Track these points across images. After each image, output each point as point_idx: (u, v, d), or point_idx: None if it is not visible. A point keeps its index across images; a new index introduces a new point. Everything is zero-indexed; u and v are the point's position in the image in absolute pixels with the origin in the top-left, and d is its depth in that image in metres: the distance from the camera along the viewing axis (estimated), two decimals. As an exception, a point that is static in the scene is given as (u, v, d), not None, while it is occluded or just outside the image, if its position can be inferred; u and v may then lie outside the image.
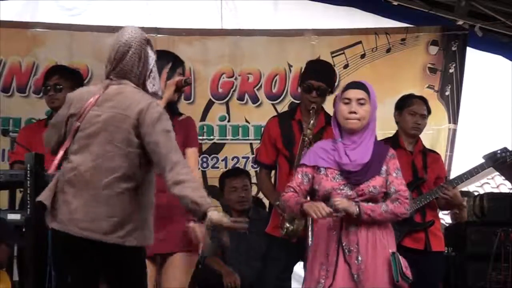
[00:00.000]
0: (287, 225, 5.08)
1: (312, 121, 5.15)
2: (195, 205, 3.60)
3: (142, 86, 3.82)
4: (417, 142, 5.73)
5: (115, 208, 3.67)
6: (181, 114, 4.66)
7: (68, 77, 5.54)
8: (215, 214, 3.61)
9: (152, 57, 3.83)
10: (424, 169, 5.66)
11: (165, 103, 4.49)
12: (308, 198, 4.46)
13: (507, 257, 6.44)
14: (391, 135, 5.81)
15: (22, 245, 4.73)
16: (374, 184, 4.36)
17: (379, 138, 4.64)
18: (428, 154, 5.75)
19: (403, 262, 4.34)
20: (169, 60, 4.61)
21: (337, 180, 4.37)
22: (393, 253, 4.33)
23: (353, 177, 4.36)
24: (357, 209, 4.29)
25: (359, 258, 4.30)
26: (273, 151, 5.38)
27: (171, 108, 4.53)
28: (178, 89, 4.57)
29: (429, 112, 5.78)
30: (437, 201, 5.67)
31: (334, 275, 4.30)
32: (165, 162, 3.64)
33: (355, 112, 4.39)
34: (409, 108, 5.68)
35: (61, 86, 5.43)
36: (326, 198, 4.39)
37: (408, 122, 5.67)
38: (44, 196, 3.77)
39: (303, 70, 5.68)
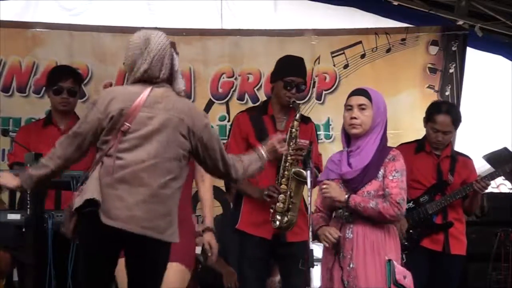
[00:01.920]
0: (279, 217, 5.10)
1: (298, 114, 5.24)
2: (261, 169, 4.14)
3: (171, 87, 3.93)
4: (446, 147, 5.69)
5: (169, 207, 3.81)
6: None
7: (80, 82, 5.60)
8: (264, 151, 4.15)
9: (176, 59, 3.91)
10: (450, 173, 5.63)
11: None
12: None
13: (507, 257, 6.45)
14: (391, 135, 5.79)
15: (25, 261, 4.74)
16: (369, 189, 4.41)
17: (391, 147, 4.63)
18: (457, 158, 5.70)
19: (400, 270, 4.36)
20: None
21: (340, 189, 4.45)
22: (389, 260, 4.36)
23: (350, 185, 4.43)
24: (346, 197, 4.37)
25: (351, 265, 4.36)
26: (244, 145, 5.36)
27: None
28: None
29: (457, 123, 5.67)
30: (462, 203, 5.65)
31: (333, 279, 4.38)
32: (222, 165, 3.96)
33: (355, 118, 4.43)
34: (432, 124, 5.62)
35: (75, 91, 5.47)
36: (333, 208, 4.52)
37: (430, 136, 5.63)
38: (94, 193, 3.74)
39: (276, 66, 5.65)
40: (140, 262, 3.83)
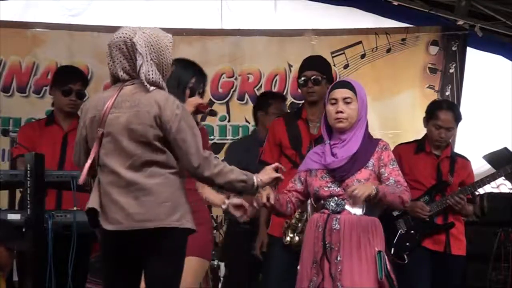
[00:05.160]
0: (291, 235, 5.08)
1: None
2: (242, 183, 3.85)
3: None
4: (446, 147, 5.68)
5: (165, 194, 3.72)
6: None
7: (86, 85, 5.60)
8: (261, 176, 3.98)
9: (138, 52, 3.77)
10: (450, 173, 5.62)
11: None
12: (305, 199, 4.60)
13: (507, 257, 6.45)
14: (391, 135, 5.80)
15: (22, 249, 4.71)
16: (359, 177, 4.35)
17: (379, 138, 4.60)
18: (456, 159, 5.68)
19: (389, 264, 4.33)
20: (193, 74, 4.53)
21: (325, 179, 4.40)
22: (379, 251, 4.31)
23: (337, 174, 4.37)
24: (375, 189, 4.25)
25: (338, 258, 4.30)
26: (277, 151, 5.36)
27: None
28: (197, 112, 4.53)
29: (458, 120, 5.66)
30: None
31: (323, 271, 4.32)
32: (196, 159, 3.73)
33: (342, 112, 4.40)
34: (434, 121, 5.59)
35: (84, 94, 5.47)
36: (317, 198, 4.45)
37: (432, 134, 5.61)
38: (93, 202, 3.79)
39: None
40: (153, 257, 3.76)
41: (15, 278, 5.38)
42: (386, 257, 4.31)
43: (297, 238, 5.06)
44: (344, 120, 4.39)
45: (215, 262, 6.77)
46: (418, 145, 5.71)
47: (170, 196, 3.73)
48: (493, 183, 6.33)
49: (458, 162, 5.69)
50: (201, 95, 4.56)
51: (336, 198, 4.37)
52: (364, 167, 4.37)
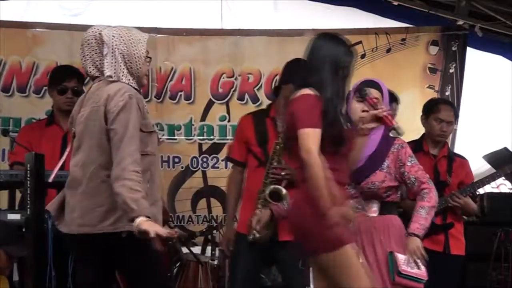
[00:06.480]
0: (254, 231, 5.05)
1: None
2: (125, 206, 3.56)
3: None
4: (443, 147, 5.69)
5: (101, 197, 3.70)
6: None
7: (83, 82, 5.59)
8: (144, 223, 3.52)
9: (104, 48, 3.81)
10: (448, 173, 5.62)
11: None
12: None
13: (507, 257, 6.45)
14: (391, 135, 5.77)
15: (21, 255, 4.71)
16: (373, 180, 4.33)
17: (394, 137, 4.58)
18: (454, 159, 5.68)
19: (402, 260, 4.29)
20: (345, 52, 4.45)
21: None
22: (390, 252, 4.29)
23: (354, 175, 4.33)
24: (417, 237, 4.29)
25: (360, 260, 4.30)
26: (245, 148, 5.32)
27: None
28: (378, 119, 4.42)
29: (456, 115, 5.70)
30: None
31: None
32: (116, 153, 3.62)
33: (368, 111, 4.38)
34: (436, 115, 5.61)
35: (80, 91, 5.47)
36: None
37: (434, 129, 5.62)
38: (50, 205, 3.89)
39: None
40: (96, 261, 3.81)
41: (16, 278, 5.38)
42: (397, 256, 4.26)
43: (258, 235, 5.03)
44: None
45: (215, 262, 6.76)
46: (416, 145, 5.70)
47: (105, 200, 3.69)
48: (493, 183, 6.32)
49: (456, 161, 5.69)
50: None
51: (351, 201, 4.32)
52: (379, 169, 4.35)
